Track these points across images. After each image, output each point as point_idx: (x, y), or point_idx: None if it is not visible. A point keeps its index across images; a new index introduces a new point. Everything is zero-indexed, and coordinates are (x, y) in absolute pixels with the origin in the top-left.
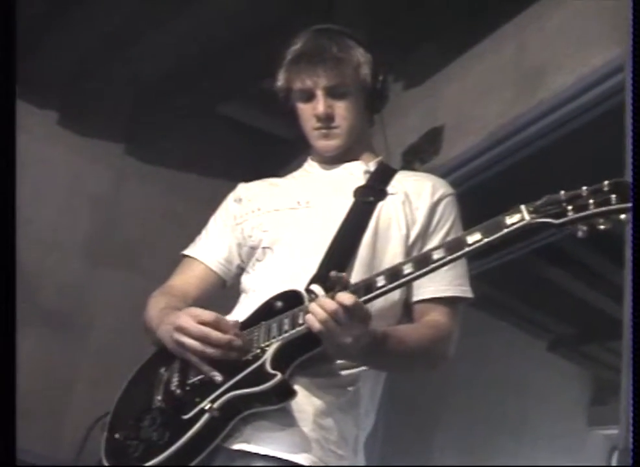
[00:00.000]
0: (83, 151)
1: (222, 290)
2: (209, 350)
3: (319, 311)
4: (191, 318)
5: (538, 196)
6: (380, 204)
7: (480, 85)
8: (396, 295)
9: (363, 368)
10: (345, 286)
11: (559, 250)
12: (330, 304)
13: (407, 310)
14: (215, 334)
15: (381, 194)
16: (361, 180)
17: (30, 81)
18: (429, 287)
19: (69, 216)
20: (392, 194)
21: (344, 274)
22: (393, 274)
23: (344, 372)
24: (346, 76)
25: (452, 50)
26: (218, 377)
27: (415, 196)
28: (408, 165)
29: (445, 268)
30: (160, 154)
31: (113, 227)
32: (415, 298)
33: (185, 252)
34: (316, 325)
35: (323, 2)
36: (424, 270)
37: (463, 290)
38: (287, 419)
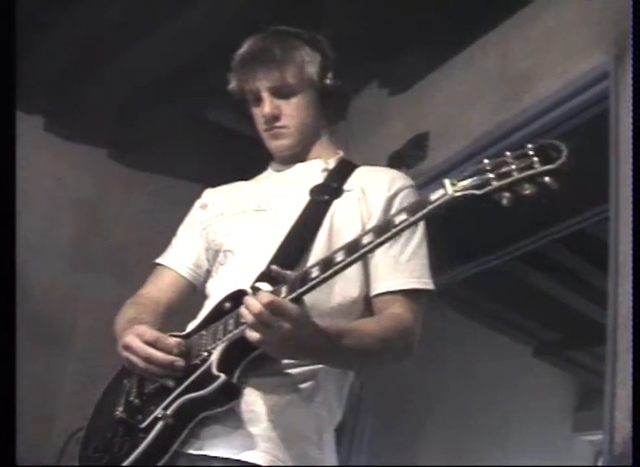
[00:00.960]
0: (67, 156)
1: (194, 295)
2: (153, 369)
3: (246, 313)
4: (137, 337)
5: (521, 203)
6: (335, 202)
7: (465, 91)
8: (354, 292)
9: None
10: (283, 280)
11: (543, 256)
12: (255, 306)
13: (369, 306)
14: (158, 355)
15: (337, 192)
16: (320, 178)
17: (17, 87)
18: (388, 280)
19: (53, 220)
20: (348, 191)
21: (275, 267)
22: (326, 263)
23: (297, 370)
24: (289, 75)
25: (437, 57)
26: (170, 383)
27: (371, 190)
28: None
29: (405, 259)
30: (144, 159)
31: (96, 232)
32: (375, 292)
33: (157, 261)
34: (249, 333)
35: (312, 10)
36: (356, 255)
37: (424, 282)
38: (241, 421)
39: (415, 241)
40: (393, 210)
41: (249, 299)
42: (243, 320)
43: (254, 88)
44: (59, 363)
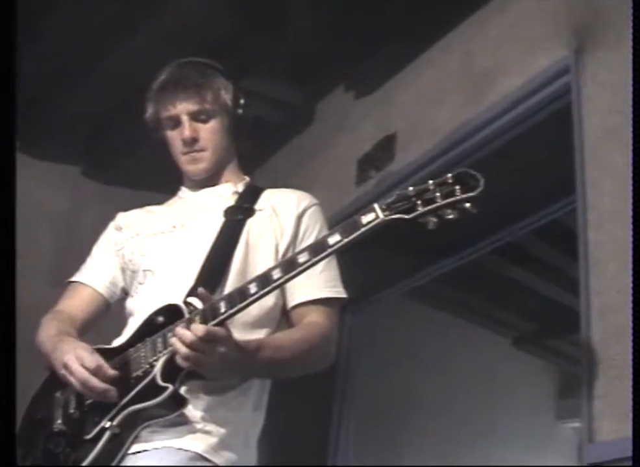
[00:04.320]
0: (41, 175)
1: (107, 313)
2: (87, 393)
3: (179, 345)
4: (77, 359)
5: (493, 196)
6: (249, 221)
7: (430, 91)
8: (270, 301)
9: None
10: (208, 301)
11: (517, 248)
12: (189, 336)
13: (285, 316)
14: (93, 381)
15: (250, 212)
16: (231, 201)
17: None
18: (304, 291)
19: (30, 240)
20: (259, 210)
21: (204, 292)
22: (264, 279)
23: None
24: (208, 100)
25: (401, 59)
26: (107, 400)
27: (281, 210)
28: (364, 173)
29: (318, 271)
30: (117, 174)
31: (74, 248)
32: (292, 303)
33: (72, 279)
34: (182, 362)
35: (276, 16)
36: (293, 273)
37: (337, 291)
38: (178, 418)
39: None
40: (302, 226)
41: (180, 330)
42: None
43: (174, 113)
44: (40, 379)
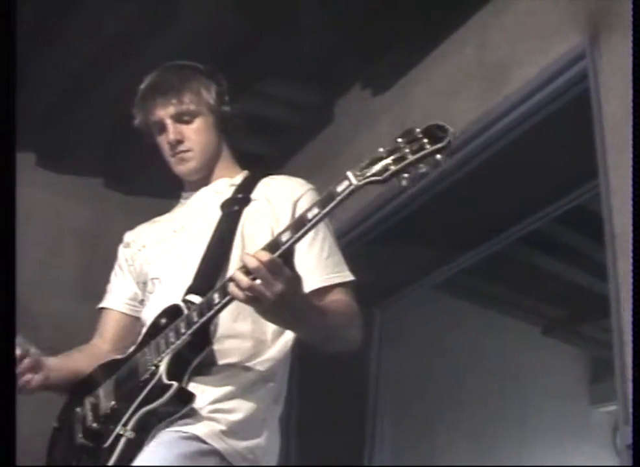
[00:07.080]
0: (63, 189)
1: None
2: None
3: (241, 275)
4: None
5: (515, 185)
6: (245, 211)
7: (446, 85)
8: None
9: (258, 360)
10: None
11: (541, 235)
12: (253, 261)
13: None
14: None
15: (245, 202)
16: (229, 194)
17: None
18: (316, 278)
19: (56, 254)
20: (255, 199)
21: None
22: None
23: (237, 367)
24: (186, 102)
25: (416, 54)
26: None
27: (276, 197)
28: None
29: (325, 256)
30: (140, 184)
31: (100, 261)
32: (307, 289)
33: (98, 306)
34: (239, 292)
35: (288, 17)
36: (277, 254)
37: (345, 275)
38: (189, 413)
39: (330, 239)
40: (299, 212)
41: (247, 257)
42: (183, 330)
43: (158, 118)
44: None
